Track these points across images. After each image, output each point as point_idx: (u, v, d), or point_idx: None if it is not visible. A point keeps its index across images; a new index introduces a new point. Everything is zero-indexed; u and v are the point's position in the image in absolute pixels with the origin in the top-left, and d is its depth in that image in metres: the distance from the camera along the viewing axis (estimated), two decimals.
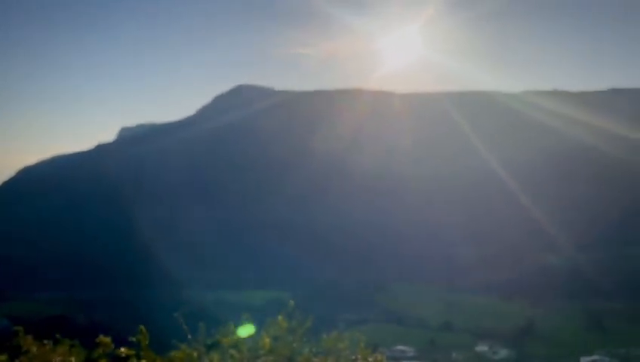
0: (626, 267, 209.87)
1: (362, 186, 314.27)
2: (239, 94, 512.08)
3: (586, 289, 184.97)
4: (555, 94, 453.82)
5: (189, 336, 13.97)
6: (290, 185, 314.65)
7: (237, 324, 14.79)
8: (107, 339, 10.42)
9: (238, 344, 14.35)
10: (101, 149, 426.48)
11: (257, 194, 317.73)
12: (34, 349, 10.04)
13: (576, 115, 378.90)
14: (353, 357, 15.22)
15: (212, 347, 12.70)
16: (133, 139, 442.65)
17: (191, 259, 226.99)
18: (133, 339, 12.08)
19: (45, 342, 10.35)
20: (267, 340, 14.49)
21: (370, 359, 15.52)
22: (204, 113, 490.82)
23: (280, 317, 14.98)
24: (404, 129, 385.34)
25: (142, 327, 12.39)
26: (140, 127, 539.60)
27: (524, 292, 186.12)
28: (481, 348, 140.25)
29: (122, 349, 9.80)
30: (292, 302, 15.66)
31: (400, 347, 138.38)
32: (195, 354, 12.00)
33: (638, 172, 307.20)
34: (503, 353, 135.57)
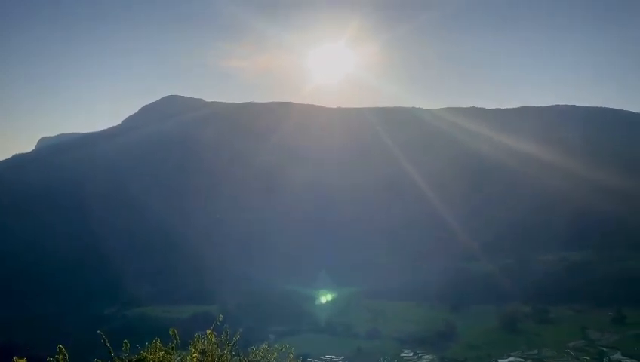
0: (535, 271, 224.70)
1: (292, 197, 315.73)
2: (167, 105, 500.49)
3: (500, 294, 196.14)
4: (473, 111, 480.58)
5: (113, 354, 14.27)
6: (218, 197, 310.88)
7: (163, 340, 15.17)
8: (22, 361, 10.42)
9: (163, 360, 14.75)
10: (18, 159, 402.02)
11: (184, 207, 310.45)
12: None
13: (490, 131, 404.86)
14: None
15: None
16: (53, 149, 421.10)
17: (114, 274, 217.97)
18: (52, 360, 12.01)
19: None
20: (195, 355, 15.02)
21: None
22: (130, 123, 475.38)
23: (208, 331, 15.55)
24: (331, 141, 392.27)
25: (61, 346, 12.46)
26: (61, 136, 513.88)
27: (444, 298, 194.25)
28: (406, 354, 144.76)
29: None
30: (221, 316, 16.31)
31: (329, 356, 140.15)
32: None
33: (542, 185, 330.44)
34: (427, 358, 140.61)
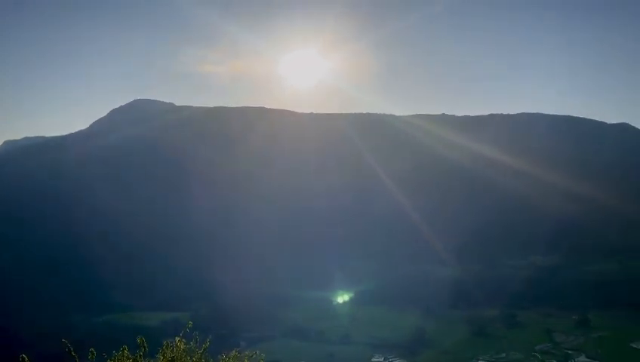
0: (502, 276, 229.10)
1: (264, 201, 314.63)
2: (137, 109, 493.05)
3: (469, 298, 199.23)
4: (443, 118, 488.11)
5: None
6: (191, 203, 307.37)
7: (131, 348, 14.91)
8: None
9: None
10: None
11: (153, 213, 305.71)
12: None
13: (459, 138, 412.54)
14: None
15: None
16: (17, 153, 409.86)
17: (81, 281, 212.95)
18: None
19: None
20: None
21: None
22: (98, 127, 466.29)
23: (177, 339, 15.37)
24: (304, 147, 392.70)
25: (24, 356, 12.17)
26: (26, 140, 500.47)
27: (415, 303, 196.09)
28: (377, 359, 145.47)
29: None
30: (190, 323, 16.15)
31: None
32: None
33: (511, 191, 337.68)
34: None
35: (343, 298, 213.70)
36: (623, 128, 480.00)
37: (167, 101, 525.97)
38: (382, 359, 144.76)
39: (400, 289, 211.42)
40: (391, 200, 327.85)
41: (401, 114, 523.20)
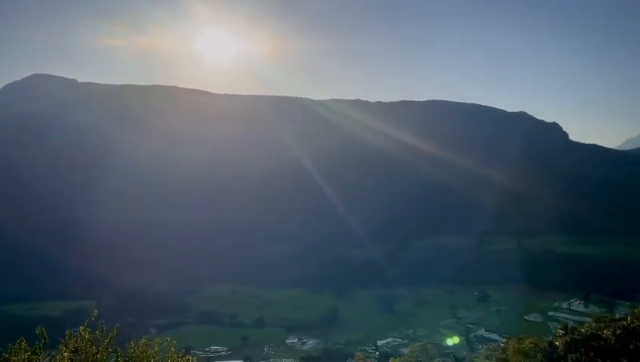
0: (410, 257, 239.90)
1: (174, 186, 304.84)
2: (35, 84, 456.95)
3: (382, 278, 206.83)
4: (357, 103, 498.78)
5: None
6: (93, 185, 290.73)
7: (29, 340, 13.77)
8: None
9: (30, 361, 13.42)
10: None
11: (55, 195, 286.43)
12: None
13: (374, 122, 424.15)
14: None
15: None
16: None
17: None
18: None
19: None
20: (66, 354, 13.79)
21: None
22: None
23: (81, 328, 14.37)
24: (219, 128, 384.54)
25: None
26: None
27: (328, 284, 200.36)
28: (291, 340, 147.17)
29: None
30: (96, 311, 15.15)
31: (213, 347, 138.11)
32: None
33: (422, 174, 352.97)
34: (311, 343, 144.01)
35: (255, 282, 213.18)
36: (522, 116, 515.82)
37: (69, 77, 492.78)
38: (296, 340, 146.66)
39: (315, 272, 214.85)
40: (309, 182, 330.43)
41: (318, 98, 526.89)
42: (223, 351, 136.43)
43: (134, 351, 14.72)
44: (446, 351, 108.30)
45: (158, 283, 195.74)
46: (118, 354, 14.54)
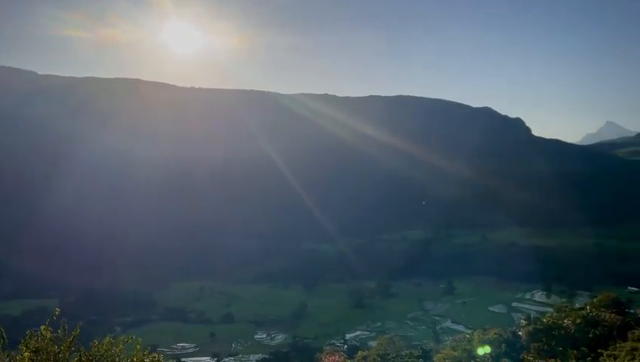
0: (379, 250, 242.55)
1: (138, 182, 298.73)
2: None
3: (350, 272, 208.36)
4: (325, 97, 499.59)
5: None
6: (54, 181, 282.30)
7: None
8: None
9: None
10: None
11: (12, 193, 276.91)
12: None
13: (341, 116, 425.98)
14: (129, 361, 14.97)
15: None
16: None
17: None
18: None
19: None
20: (26, 354, 13.35)
21: (146, 360, 15.48)
22: None
23: (43, 327, 13.91)
24: (185, 122, 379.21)
25: None
26: None
27: (297, 279, 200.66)
28: (260, 335, 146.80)
29: None
30: (58, 310, 14.68)
31: (180, 344, 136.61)
32: None
33: (389, 168, 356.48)
34: (280, 338, 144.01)
35: (224, 278, 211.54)
36: (486, 112, 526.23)
37: (28, 69, 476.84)
38: (264, 335, 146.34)
39: (284, 267, 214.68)
40: (278, 177, 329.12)
41: (286, 92, 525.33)
42: (191, 347, 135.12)
43: (98, 349, 14.36)
44: (413, 343, 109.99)
45: (123, 280, 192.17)
46: (81, 353, 14.16)
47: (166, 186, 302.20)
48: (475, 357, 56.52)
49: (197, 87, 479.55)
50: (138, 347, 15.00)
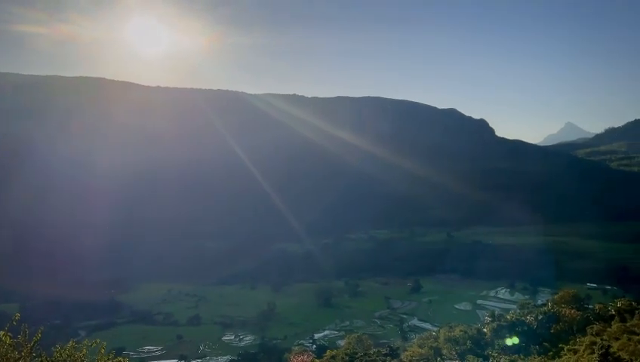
0: (346, 250, 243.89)
1: (103, 183, 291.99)
2: None
3: (319, 272, 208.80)
4: (293, 98, 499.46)
5: None
6: (11, 183, 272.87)
7: None
8: None
9: None
10: None
11: None
12: None
13: (309, 117, 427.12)
14: None
15: None
16: None
17: None
18: None
19: None
20: None
21: None
22: None
23: (2, 333, 13.50)
24: (151, 122, 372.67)
25: None
26: None
27: (266, 279, 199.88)
28: (228, 337, 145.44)
29: None
30: (18, 315, 14.28)
31: (147, 347, 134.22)
32: None
33: (356, 168, 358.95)
34: (248, 339, 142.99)
35: (191, 280, 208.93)
36: (452, 113, 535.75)
37: None
38: (232, 337, 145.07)
39: (252, 268, 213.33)
40: (245, 177, 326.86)
41: (254, 92, 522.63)
42: (157, 350, 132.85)
43: (60, 354, 14.04)
44: (381, 341, 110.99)
45: (88, 283, 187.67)
46: (43, 358, 13.81)
47: (131, 187, 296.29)
48: (441, 354, 57.50)
49: (163, 86, 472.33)
50: (102, 351, 14.74)
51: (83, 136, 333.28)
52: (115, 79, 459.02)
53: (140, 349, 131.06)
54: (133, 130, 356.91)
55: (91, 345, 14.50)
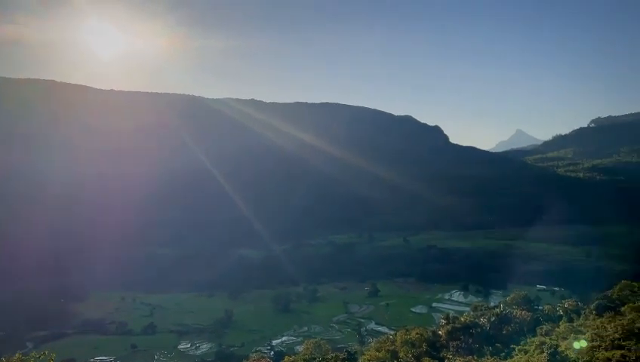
0: (305, 255, 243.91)
1: (52, 188, 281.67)
2: None
3: (275, 278, 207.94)
4: (252, 103, 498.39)
5: None
6: None
7: None
8: None
9: None
10: None
11: None
12: None
13: (269, 121, 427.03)
14: None
15: None
16: None
17: None
18: None
19: None
20: None
21: None
22: None
23: None
24: (106, 126, 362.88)
25: None
26: None
27: (223, 286, 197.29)
28: (184, 345, 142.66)
29: None
30: None
31: (99, 357, 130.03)
32: None
33: (317, 172, 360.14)
34: (205, 347, 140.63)
35: (146, 288, 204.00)
36: (407, 120, 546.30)
37: None
38: (189, 345, 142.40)
39: (208, 275, 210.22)
40: (206, 183, 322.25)
41: (212, 96, 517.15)
42: (110, 360, 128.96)
43: None
44: (338, 345, 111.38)
45: (36, 292, 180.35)
46: None
47: (85, 192, 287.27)
48: (398, 357, 58.25)
49: (117, 89, 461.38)
50: None
51: (29, 141, 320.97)
52: (67, 82, 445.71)
53: (91, 360, 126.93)
54: (85, 133, 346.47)
55: (39, 357, 14.05)
